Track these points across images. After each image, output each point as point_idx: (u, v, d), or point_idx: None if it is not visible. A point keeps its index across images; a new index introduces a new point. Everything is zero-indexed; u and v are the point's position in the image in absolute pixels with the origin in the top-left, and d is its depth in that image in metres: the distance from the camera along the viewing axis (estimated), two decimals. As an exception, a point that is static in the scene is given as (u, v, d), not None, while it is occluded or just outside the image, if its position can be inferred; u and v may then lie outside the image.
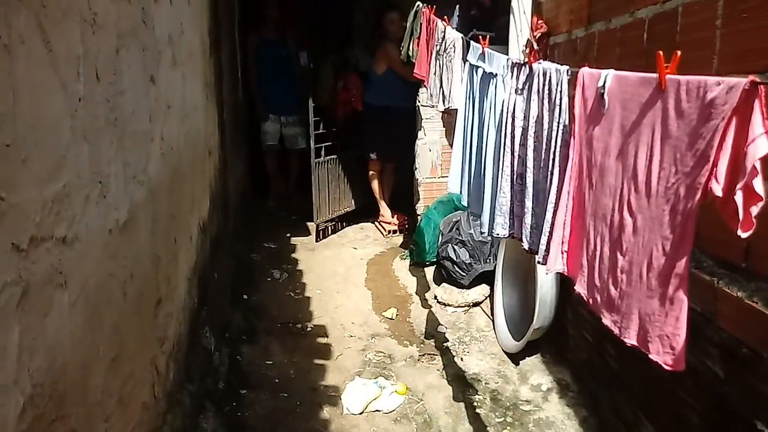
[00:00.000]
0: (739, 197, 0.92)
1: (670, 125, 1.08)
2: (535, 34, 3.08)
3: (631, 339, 1.13)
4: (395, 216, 5.24)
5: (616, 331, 1.17)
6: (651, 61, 2.06)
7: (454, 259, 3.81)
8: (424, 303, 3.94)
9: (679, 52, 1.07)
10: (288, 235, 5.14)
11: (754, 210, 0.92)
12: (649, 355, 1.06)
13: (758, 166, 0.91)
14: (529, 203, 1.84)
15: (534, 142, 1.78)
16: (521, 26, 3.24)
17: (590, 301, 1.31)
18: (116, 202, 1.46)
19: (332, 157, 5.11)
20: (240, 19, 4.88)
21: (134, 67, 1.62)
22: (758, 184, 0.91)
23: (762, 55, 1.52)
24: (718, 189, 0.97)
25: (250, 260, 4.47)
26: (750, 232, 0.94)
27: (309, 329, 3.58)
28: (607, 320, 1.21)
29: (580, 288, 1.37)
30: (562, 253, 1.47)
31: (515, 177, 1.94)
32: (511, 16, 3.31)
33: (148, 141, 1.78)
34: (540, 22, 3.07)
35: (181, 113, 2.28)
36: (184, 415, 2.13)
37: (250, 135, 5.46)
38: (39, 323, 1.05)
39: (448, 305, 3.82)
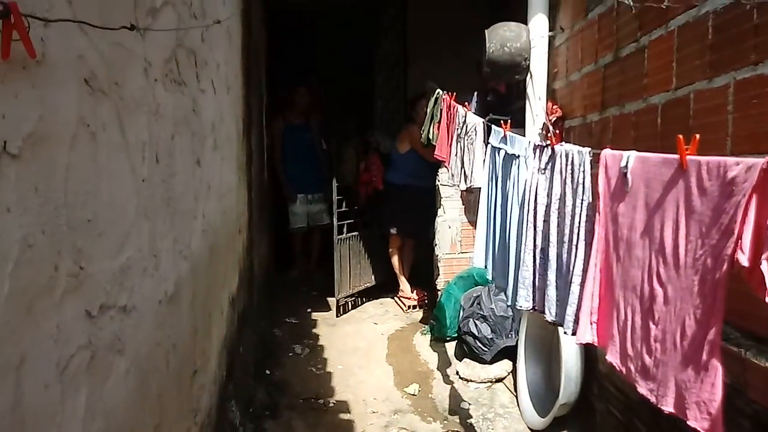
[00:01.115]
0: (765, 266, 0.98)
1: (694, 201, 1.16)
2: (550, 118, 3.23)
3: (668, 407, 1.16)
4: (415, 291, 5.27)
5: (653, 399, 1.20)
6: (666, 143, 2.18)
7: (476, 334, 3.81)
8: (446, 379, 3.91)
9: (698, 136, 1.17)
10: (309, 310, 5.18)
11: (780, 279, 0.98)
12: (687, 422, 1.09)
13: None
14: (551, 276, 1.89)
15: (557, 218, 1.86)
16: (537, 111, 3.39)
17: (623, 370, 1.35)
18: (166, 275, 1.55)
19: (354, 233, 5.25)
20: (267, 104, 5.15)
21: (185, 151, 1.76)
22: (783, 255, 0.97)
23: (774, 136, 1.61)
24: (744, 259, 1.03)
25: (272, 335, 4.50)
26: (778, 300, 0.99)
27: (331, 405, 3.55)
28: (642, 389, 1.24)
29: (612, 358, 1.40)
30: (592, 323, 1.52)
31: (537, 251, 2.01)
32: (527, 102, 3.47)
33: (192, 219, 1.89)
34: (555, 107, 3.23)
35: (218, 193, 2.40)
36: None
37: (273, 214, 5.64)
38: (100, 388, 1.11)
39: (471, 381, 3.79)
